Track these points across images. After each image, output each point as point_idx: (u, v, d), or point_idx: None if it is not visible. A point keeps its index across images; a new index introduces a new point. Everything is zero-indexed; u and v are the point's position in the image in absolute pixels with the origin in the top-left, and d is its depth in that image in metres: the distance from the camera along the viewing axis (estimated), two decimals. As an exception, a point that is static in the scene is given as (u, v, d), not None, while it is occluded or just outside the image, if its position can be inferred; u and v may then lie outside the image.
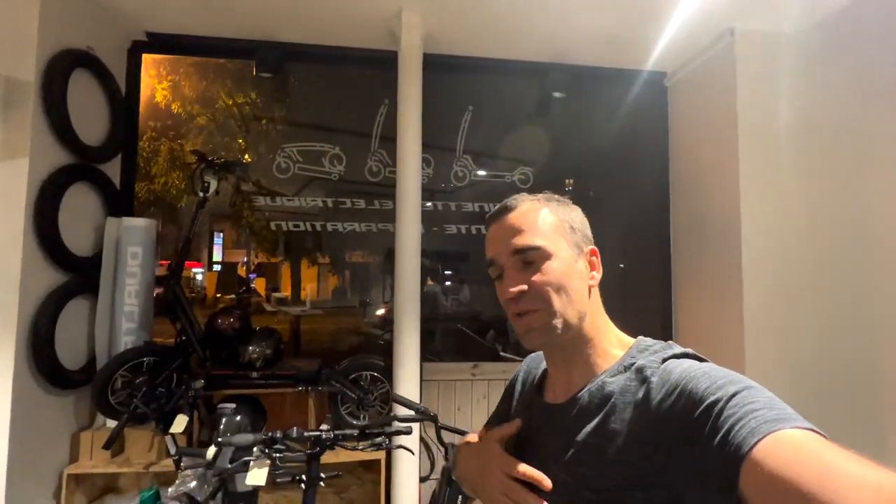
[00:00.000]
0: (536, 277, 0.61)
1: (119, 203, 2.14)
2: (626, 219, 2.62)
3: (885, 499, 0.33)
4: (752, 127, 2.05)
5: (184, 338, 2.07)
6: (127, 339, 2.04)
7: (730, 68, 2.10)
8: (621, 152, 2.62)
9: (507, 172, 2.51)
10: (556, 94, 2.40)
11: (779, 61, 2.06)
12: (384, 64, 2.37)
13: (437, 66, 2.22)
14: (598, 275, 0.66)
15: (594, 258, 0.66)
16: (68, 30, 1.84)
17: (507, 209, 0.66)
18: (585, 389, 0.61)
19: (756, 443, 0.40)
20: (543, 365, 0.74)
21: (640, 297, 2.65)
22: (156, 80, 2.63)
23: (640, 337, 0.64)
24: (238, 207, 2.39)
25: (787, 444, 0.39)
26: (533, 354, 0.79)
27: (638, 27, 2.14)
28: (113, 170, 2.16)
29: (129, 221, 2.06)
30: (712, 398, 0.47)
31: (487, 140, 2.50)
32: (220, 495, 1.40)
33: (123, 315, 2.03)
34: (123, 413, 1.89)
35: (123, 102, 2.17)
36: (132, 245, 2.05)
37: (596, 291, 0.65)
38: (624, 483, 0.52)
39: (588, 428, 0.58)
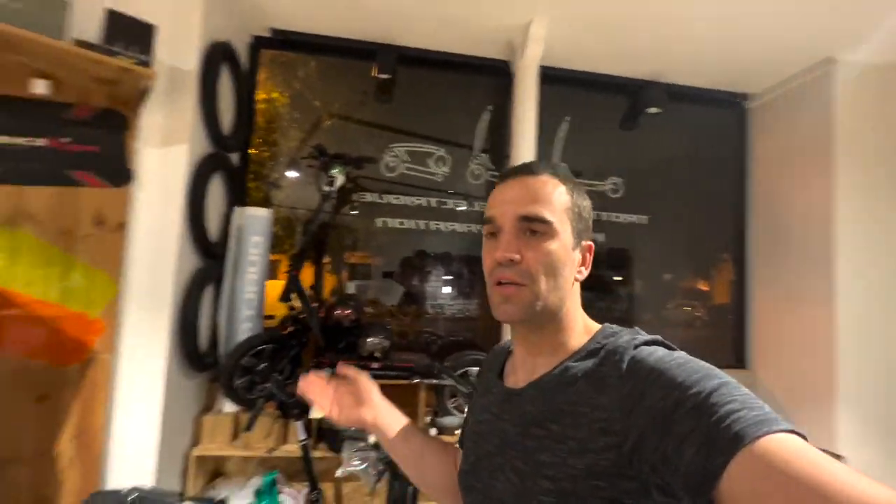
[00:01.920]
0: (533, 253, 0.58)
1: (241, 193, 2.18)
2: (703, 232, 2.74)
3: None
4: (850, 153, 2.18)
5: (298, 326, 2.12)
6: (245, 326, 2.08)
7: (825, 96, 2.24)
8: (701, 167, 2.75)
9: (598, 181, 2.61)
10: (652, 110, 2.52)
11: (880, 91, 2.21)
12: (490, 72, 2.48)
13: (542, 77, 2.32)
14: (585, 271, 0.64)
15: (588, 254, 0.64)
16: (216, 22, 1.89)
17: (527, 171, 0.62)
18: (548, 373, 0.59)
19: (741, 449, 0.40)
20: (504, 353, 0.73)
21: (713, 310, 2.77)
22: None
23: (606, 323, 0.63)
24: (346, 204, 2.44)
25: (775, 452, 0.40)
26: (497, 347, 0.78)
27: (729, 51, 2.26)
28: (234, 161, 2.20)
29: (251, 211, 2.11)
30: (690, 391, 0.46)
31: (580, 150, 2.60)
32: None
33: (244, 302, 2.07)
34: (249, 397, 1.94)
35: (246, 97, 2.22)
36: (254, 234, 2.10)
37: (577, 285, 0.63)
38: (584, 472, 0.50)
39: (548, 413, 0.56)
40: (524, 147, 2.21)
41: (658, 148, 2.70)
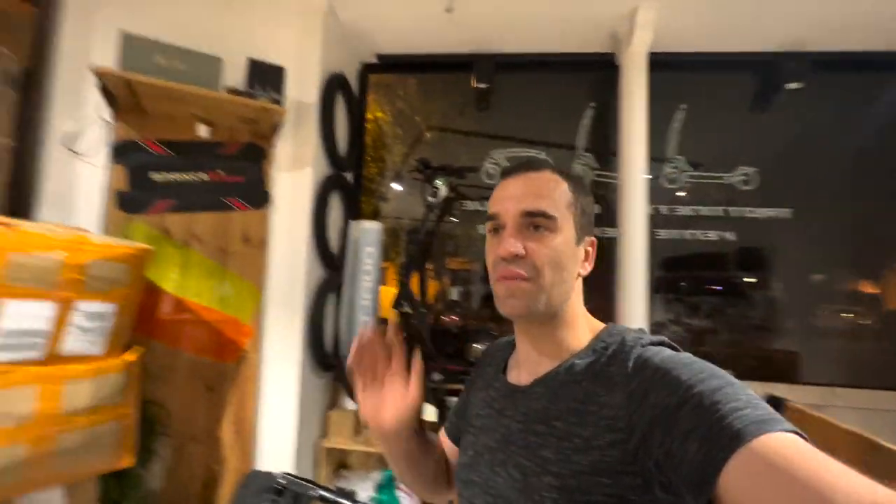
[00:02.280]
0: (538, 246, 0.58)
1: (355, 208, 2.38)
2: (868, 224, 2.27)
3: None
4: None
5: (408, 332, 2.23)
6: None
7: None
8: (863, 147, 2.28)
9: (724, 173, 2.33)
10: (792, 86, 2.17)
11: None
12: (593, 67, 2.37)
13: (652, 65, 2.14)
14: (589, 266, 0.64)
15: (591, 249, 0.64)
16: (331, 57, 2.10)
17: (529, 167, 0.63)
18: (553, 371, 0.59)
19: (742, 446, 0.40)
20: (507, 350, 0.72)
21: (890, 318, 2.27)
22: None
23: (611, 323, 0.63)
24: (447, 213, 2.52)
25: (777, 450, 0.39)
26: (498, 341, 0.77)
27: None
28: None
29: (365, 224, 2.29)
30: (695, 390, 0.46)
31: (701, 140, 2.34)
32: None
33: (361, 308, 2.25)
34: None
35: (357, 119, 2.42)
36: (367, 245, 2.27)
37: (581, 281, 0.63)
38: (588, 469, 0.50)
39: (553, 411, 0.56)
40: (634, 141, 2.06)
41: (801, 129, 2.31)
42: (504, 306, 0.61)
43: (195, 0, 1.75)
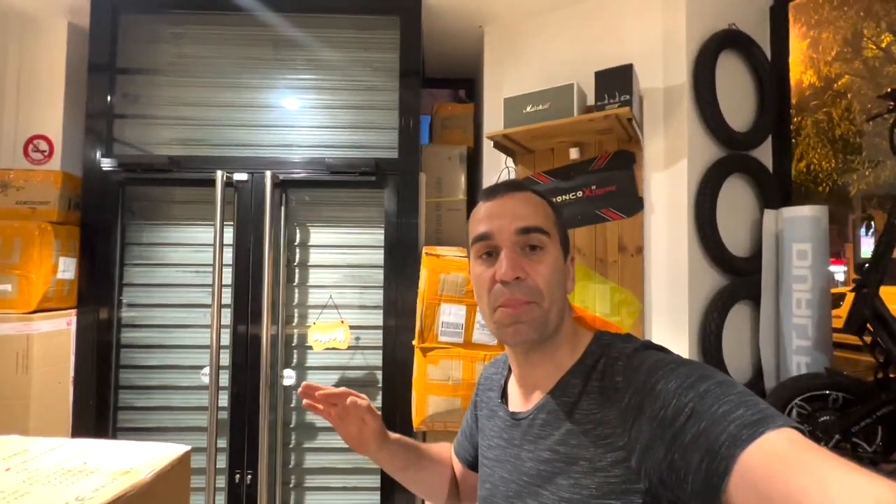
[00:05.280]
0: (536, 267, 0.58)
1: (774, 192, 1.78)
2: None
3: None
4: None
5: (891, 375, 1.38)
6: (799, 360, 1.62)
7: None
8: None
9: None
10: None
11: None
12: None
13: None
14: (573, 285, 0.63)
15: (571, 267, 0.64)
16: (708, 13, 1.72)
17: (512, 187, 0.62)
18: (550, 395, 0.59)
19: (740, 452, 0.39)
20: (502, 371, 0.72)
21: None
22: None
23: (597, 331, 0.63)
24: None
25: (774, 451, 0.38)
26: (494, 361, 0.77)
27: None
28: (763, 155, 1.84)
29: (790, 212, 1.66)
30: (686, 398, 0.45)
31: None
32: None
33: (793, 329, 1.64)
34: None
35: (770, 74, 1.82)
36: (798, 241, 1.63)
37: (568, 298, 0.64)
38: (597, 492, 0.50)
39: (557, 436, 0.56)
40: None
41: None
42: (508, 335, 0.58)
43: (551, 45, 1.98)
